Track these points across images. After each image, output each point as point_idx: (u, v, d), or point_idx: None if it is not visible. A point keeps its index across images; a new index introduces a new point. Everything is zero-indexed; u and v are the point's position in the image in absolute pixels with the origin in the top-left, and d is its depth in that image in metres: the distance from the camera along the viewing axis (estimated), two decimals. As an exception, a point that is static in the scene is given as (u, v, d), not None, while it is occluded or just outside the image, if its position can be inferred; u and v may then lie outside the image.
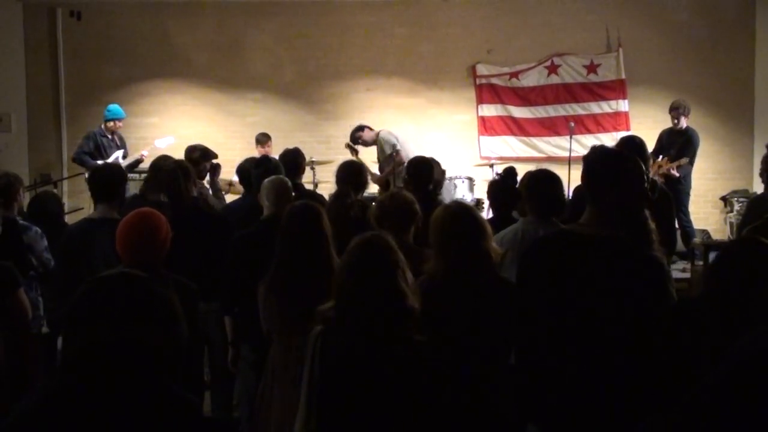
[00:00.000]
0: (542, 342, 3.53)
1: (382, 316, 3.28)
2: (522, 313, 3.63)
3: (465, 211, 4.11)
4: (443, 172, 8.10)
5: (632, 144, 6.75)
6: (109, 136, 11.06)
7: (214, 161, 8.55)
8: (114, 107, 11.25)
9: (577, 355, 3.43)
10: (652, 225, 3.75)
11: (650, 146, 10.36)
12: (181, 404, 2.22)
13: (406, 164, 8.12)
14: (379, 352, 3.27)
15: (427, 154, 7.71)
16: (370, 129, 10.51)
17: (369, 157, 10.43)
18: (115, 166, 6.89)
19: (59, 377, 2.20)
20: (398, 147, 10.04)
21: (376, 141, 10.34)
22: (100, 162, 10.51)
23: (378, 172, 10.21)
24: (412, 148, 10.18)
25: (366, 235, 3.61)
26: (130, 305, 2.19)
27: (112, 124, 11.08)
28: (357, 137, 10.49)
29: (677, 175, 10.26)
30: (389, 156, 10.04)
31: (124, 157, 10.92)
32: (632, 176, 3.56)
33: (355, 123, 11.63)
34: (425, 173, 6.85)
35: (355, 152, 10.36)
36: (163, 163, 6.87)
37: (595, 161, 3.61)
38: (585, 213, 3.59)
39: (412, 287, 3.39)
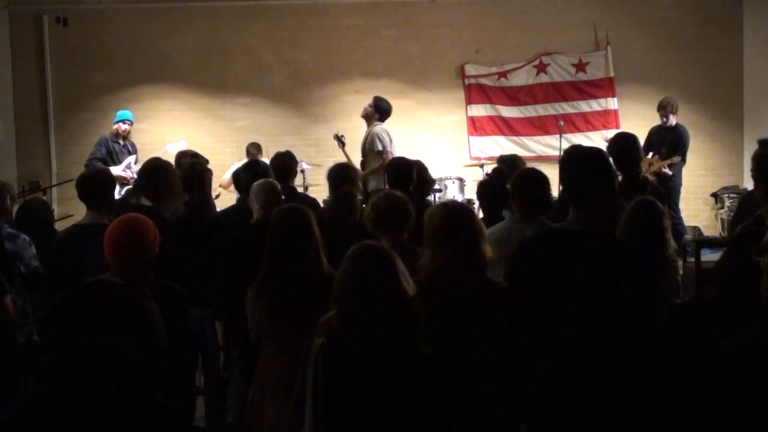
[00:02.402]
0: (533, 340, 3.52)
1: (387, 324, 3.22)
2: (512, 312, 3.62)
3: (464, 211, 4.11)
4: (430, 177, 8.06)
5: (626, 141, 6.76)
6: (121, 142, 10.99)
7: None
8: (121, 112, 11.22)
9: (568, 351, 3.42)
10: None
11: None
12: (162, 413, 2.19)
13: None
14: (385, 363, 3.20)
15: (417, 156, 7.71)
16: (378, 109, 10.42)
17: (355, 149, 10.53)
18: (103, 171, 6.83)
19: (36, 386, 2.18)
20: (388, 148, 10.02)
21: (368, 133, 10.29)
22: (112, 168, 10.45)
23: (359, 166, 10.11)
24: (395, 151, 10.18)
25: (364, 242, 3.57)
26: (105, 313, 2.16)
27: (116, 127, 11.02)
28: (369, 107, 10.44)
29: (670, 173, 10.28)
30: (377, 153, 10.00)
31: (136, 162, 10.76)
32: (612, 176, 3.61)
33: (345, 125, 11.62)
34: (405, 174, 6.84)
35: (342, 144, 10.32)
36: (154, 163, 6.82)
37: (580, 166, 3.63)
38: (570, 214, 3.60)
39: (414, 293, 3.34)
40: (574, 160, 3.64)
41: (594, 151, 3.80)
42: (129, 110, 11.58)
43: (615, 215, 3.69)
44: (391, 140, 10.21)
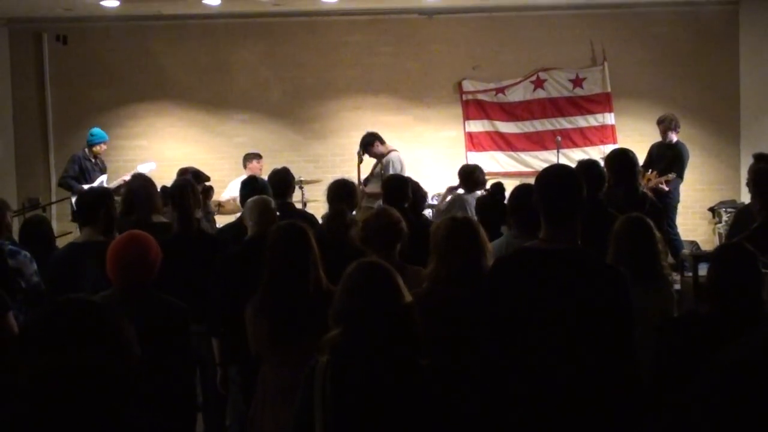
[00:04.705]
0: (511, 358, 3.53)
1: (392, 339, 3.23)
2: (490, 331, 3.64)
3: (470, 225, 4.17)
4: (424, 193, 8.03)
5: (624, 156, 6.78)
6: (93, 160, 11.00)
7: (206, 184, 8.51)
8: (97, 131, 11.18)
9: (546, 370, 3.44)
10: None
11: (639, 159, 10.47)
12: (134, 429, 2.20)
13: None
14: (392, 378, 3.22)
15: (415, 171, 7.70)
16: (383, 142, 10.42)
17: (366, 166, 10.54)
18: (100, 189, 6.86)
19: (13, 404, 2.19)
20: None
21: (385, 158, 10.31)
22: (85, 186, 10.44)
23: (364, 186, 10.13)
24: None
25: (363, 260, 3.60)
26: (74, 330, 2.18)
27: (98, 147, 11.01)
28: (368, 148, 10.38)
29: (666, 189, 10.31)
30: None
31: (108, 181, 10.79)
32: (582, 192, 3.63)
33: (343, 141, 11.64)
34: (401, 191, 6.83)
35: (361, 160, 10.36)
36: (136, 183, 6.87)
37: (555, 182, 3.66)
38: (542, 232, 3.62)
39: (413, 306, 3.37)
40: (552, 178, 3.68)
41: (571, 170, 3.87)
42: (112, 128, 11.63)
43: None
44: (402, 167, 10.19)
